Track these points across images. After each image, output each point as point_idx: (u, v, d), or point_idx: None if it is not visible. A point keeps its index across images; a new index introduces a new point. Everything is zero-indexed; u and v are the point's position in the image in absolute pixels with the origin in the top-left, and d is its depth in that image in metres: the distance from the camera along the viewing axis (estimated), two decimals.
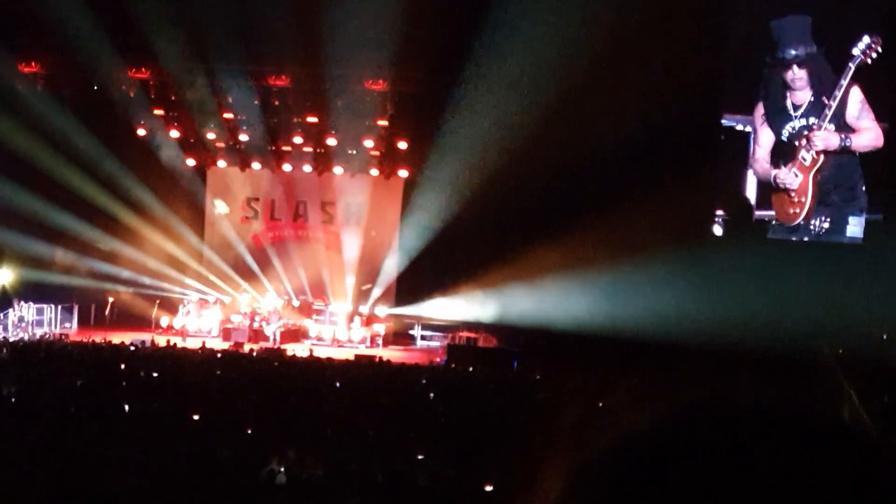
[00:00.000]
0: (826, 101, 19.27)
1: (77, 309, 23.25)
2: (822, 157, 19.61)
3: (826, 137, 19.45)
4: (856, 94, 19.10)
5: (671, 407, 0.76)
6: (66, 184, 21.62)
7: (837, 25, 19.27)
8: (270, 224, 25.48)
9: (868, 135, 19.31)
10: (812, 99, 19.53)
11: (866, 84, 19.10)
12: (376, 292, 24.16)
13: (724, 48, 20.63)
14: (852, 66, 18.86)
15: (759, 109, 20.27)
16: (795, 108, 19.70)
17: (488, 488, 7.27)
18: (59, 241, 22.63)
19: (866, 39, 18.71)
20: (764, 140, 20.21)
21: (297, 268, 24.51)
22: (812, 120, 19.55)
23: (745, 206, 20.84)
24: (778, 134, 19.98)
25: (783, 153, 20.03)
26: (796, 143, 19.76)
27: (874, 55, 18.68)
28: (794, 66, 19.32)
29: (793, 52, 19.27)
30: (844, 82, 18.94)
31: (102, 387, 11.97)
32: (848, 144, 19.38)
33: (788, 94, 19.71)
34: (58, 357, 15.30)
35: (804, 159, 19.69)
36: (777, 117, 19.94)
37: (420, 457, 8.47)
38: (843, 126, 19.37)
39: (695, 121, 20.59)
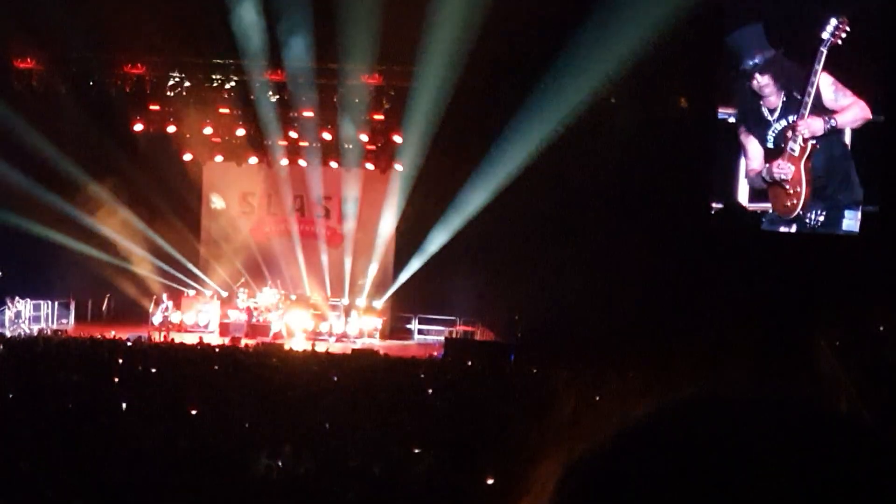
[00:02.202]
0: (799, 97, 19.33)
1: (74, 305, 23.22)
2: (809, 144, 19.61)
3: (810, 124, 19.49)
4: (826, 80, 19.15)
5: (667, 400, 0.76)
6: (61, 179, 21.57)
7: (795, 20, 19.30)
8: (267, 219, 25.47)
9: (853, 110, 19.28)
10: (785, 99, 19.64)
11: (836, 68, 19.06)
12: (373, 286, 24.16)
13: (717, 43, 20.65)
14: (824, 49, 18.84)
15: (740, 123, 20.37)
16: (771, 112, 19.79)
17: (490, 481, 7.27)
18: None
19: (833, 21, 18.68)
20: (753, 152, 20.25)
21: (295, 262, 24.51)
22: (791, 118, 19.63)
23: (739, 199, 20.84)
24: (763, 141, 20.07)
25: (774, 157, 20.05)
26: (782, 144, 19.81)
27: (843, 35, 18.62)
28: (757, 75, 19.51)
29: (751, 63, 19.48)
30: (819, 66, 18.94)
31: (100, 382, 11.97)
32: (834, 125, 19.40)
33: (761, 102, 19.85)
34: (55, 353, 15.28)
35: (793, 150, 19.72)
36: (757, 126, 20.05)
37: (417, 450, 8.47)
38: (823, 112, 19.40)
39: (689, 113, 20.62)
